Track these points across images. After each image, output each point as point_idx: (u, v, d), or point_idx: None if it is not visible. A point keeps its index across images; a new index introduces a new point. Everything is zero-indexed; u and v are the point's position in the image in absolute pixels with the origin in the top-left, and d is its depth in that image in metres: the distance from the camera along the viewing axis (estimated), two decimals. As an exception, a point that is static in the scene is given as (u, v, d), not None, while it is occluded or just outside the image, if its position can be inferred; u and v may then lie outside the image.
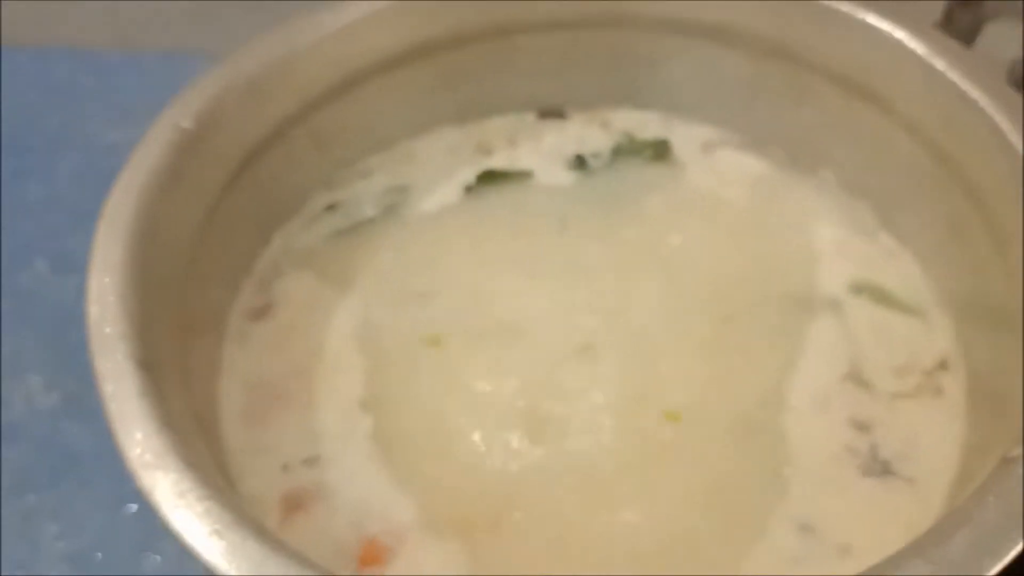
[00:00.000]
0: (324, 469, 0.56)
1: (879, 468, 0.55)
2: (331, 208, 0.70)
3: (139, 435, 0.44)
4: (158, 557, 0.63)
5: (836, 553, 0.51)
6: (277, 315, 0.64)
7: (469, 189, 0.71)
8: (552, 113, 0.76)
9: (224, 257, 0.62)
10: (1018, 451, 0.42)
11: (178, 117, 0.58)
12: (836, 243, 0.67)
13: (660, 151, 0.73)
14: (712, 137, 0.74)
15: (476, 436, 0.57)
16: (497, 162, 0.73)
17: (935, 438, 0.57)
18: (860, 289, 0.64)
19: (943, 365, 0.60)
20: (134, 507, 0.66)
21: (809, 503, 0.53)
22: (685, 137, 0.74)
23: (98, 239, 0.52)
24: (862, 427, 0.57)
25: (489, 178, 0.72)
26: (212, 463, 0.47)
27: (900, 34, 0.62)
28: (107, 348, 0.47)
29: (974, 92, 0.57)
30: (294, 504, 0.55)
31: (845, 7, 0.64)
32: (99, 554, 0.63)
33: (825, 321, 0.63)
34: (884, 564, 0.39)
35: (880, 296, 0.64)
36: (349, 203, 0.71)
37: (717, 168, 0.73)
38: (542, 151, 0.74)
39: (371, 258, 0.67)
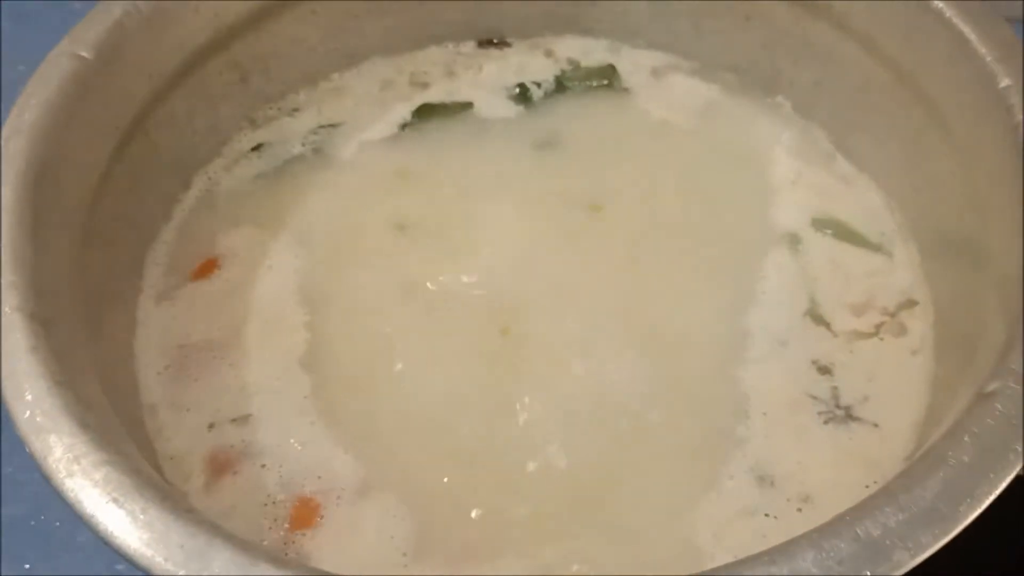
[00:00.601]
0: (255, 428, 0.52)
1: (841, 414, 0.52)
2: (257, 148, 0.65)
3: (29, 395, 0.39)
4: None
5: (796, 503, 0.48)
6: (201, 264, 0.59)
7: (405, 126, 0.66)
8: (492, 42, 0.71)
9: (136, 202, 0.57)
10: (995, 385, 0.39)
11: (75, 46, 0.53)
12: (791, 172, 0.64)
13: (606, 77, 0.69)
14: (660, 63, 0.70)
15: (415, 387, 0.53)
16: (434, 95, 0.68)
17: (900, 378, 0.54)
18: (817, 222, 0.61)
19: (909, 302, 0.57)
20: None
21: (767, 452, 0.50)
22: (633, 64, 0.70)
23: (-14, 181, 0.47)
24: (824, 370, 0.54)
25: (426, 112, 0.67)
26: (118, 425, 0.43)
27: (855, -58, 0.58)
28: (-7, 299, 0.43)
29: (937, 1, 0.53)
30: (221, 465, 0.51)
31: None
32: (32, 521, 0.59)
33: (781, 257, 0.60)
34: (851, 511, 0.35)
35: (840, 230, 0.61)
36: (276, 143, 0.66)
37: (666, 95, 0.68)
38: (482, 82, 0.69)
39: (302, 202, 0.62)
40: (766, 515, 0.48)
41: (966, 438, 0.37)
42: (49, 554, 0.58)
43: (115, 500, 0.36)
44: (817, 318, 0.56)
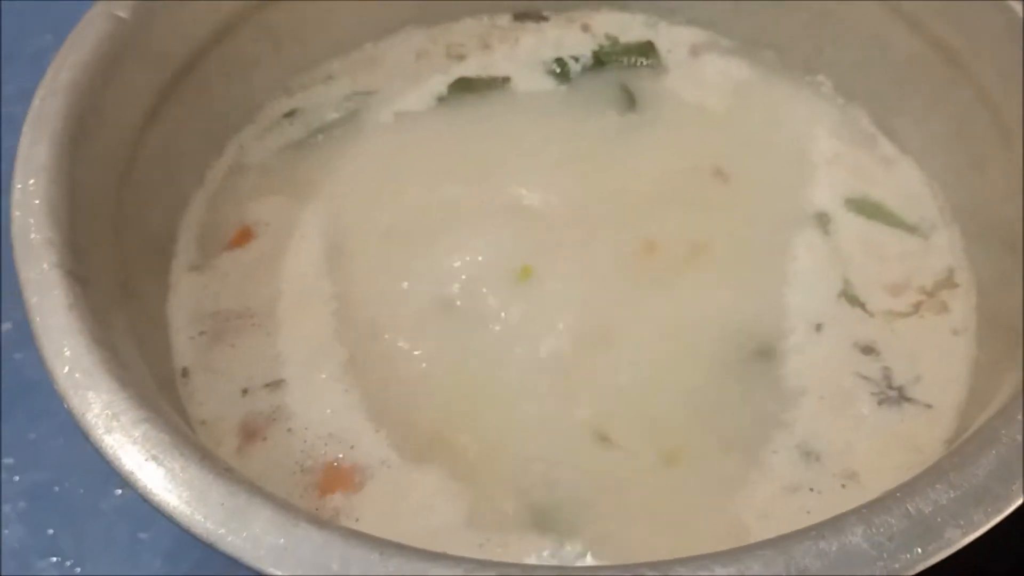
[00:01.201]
0: (287, 392, 0.52)
1: (895, 395, 0.51)
2: (290, 115, 0.65)
3: (68, 351, 0.39)
4: (119, 491, 0.58)
5: (841, 479, 0.48)
6: (236, 233, 0.59)
7: (442, 99, 0.65)
8: (528, 15, 0.70)
9: (169, 166, 0.57)
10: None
11: (112, 6, 0.52)
12: (830, 152, 0.63)
13: (645, 54, 0.68)
14: (699, 40, 0.69)
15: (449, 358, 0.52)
16: (470, 68, 0.67)
17: (942, 358, 0.53)
18: (851, 202, 0.60)
19: (950, 281, 0.56)
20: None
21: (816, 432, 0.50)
22: (671, 40, 0.69)
23: (23, 140, 0.47)
24: (867, 350, 0.53)
25: (463, 86, 0.66)
26: (154, 385, 0.42)
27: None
28: (32, 256, 0.42)
29: (990, -23, 0.52)
30: (253, 431, 0.51)
31: None
32: (56, 488, 0.59)
33: (814, 238, 0.58)
34: (901, 488, 0.34)
35: (875, 211, 0.60)
36: (309, 109, 0.65)
37: (705, 73, 0.67)
38: (519, 56, 0.68)
39: (334, 170, 0.61)
40: (811, 489, 0.47)
41: (1020, 416, 0.36)
42: (72, 520, 0.58)
43: (154, 457, 0.36)
44: (852, 299, 0.56)
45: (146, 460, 0.36)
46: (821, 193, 0.61)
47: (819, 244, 0.58)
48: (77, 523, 0.58)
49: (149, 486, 0.35)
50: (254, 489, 0.35)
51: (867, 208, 0.60)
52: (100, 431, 0.37)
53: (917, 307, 0.55)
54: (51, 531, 0.57)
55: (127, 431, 0.37)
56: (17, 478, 0.59)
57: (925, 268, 0.57)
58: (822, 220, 0.59)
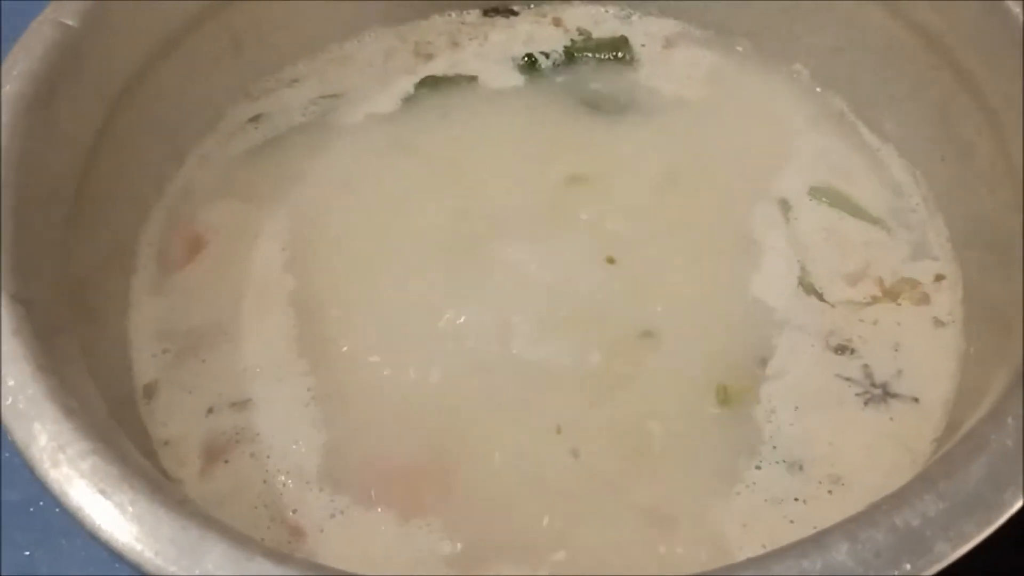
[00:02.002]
0: (254, 413, 0.50)
1: (880, 393, 0.50)
2: (254, 120, 0.63)
3: (11, 380, 0.37)
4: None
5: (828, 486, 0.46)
6: (194, 242, 0.57)
7: (408, 99, 0.63)
8: (498, 10, 0.69)
9: (125, 178, 0.55)
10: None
11: (59, 13, 0.50)
12: (809, 143, 0.61)
13: (618, 49, 0.66)
14: (673, 31, 0.67)
15: (416, 375, 0.51)
16: (438, 67, 0.65)
17: (926, 350, 0.52)
18: (820, 192, 0.58)
19: (936, 273, 0.55)
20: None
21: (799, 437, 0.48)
22: (644, 33, 0.67)
23: (-35, 158, 0.45)
24: (841, 349, 0.52)
25: (430, 84, 0.64)
26: (106, 412, 0.40)
27: None
28: (-27, 280, 0.40)
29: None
30: (218, 452, 0.49)
31: None
32: (31, 508, 0.57)
33: (777, 226, 0.57)
34: (887, 500, 0.33)
35: (839, 201, 0.58)
36: (275, 113, 0.63)
37: (678, 65, 0.66)
38: (488, 52, 0.66)
39: (301, 177, 0.60)
40: (796, 499, 0.46)
41: (1009, 420, 0.35)
42: (49, 540, 0.56)
43: (102, 491, 0.34)
44: (808, 287, 0.54)
45: (94, 494, 0.34)
46: (788, 182, 0.59)
47: (779, 232, 0.57)
48: (53, 543, 0.56)
49: (97, 522, 0.34)
50: (208, 522, 0.34)
51: (831, 197, 0.58)
52: (46, 465, 0.35)
53: (875, 299, 0.54)
54: (27, 552, 0.56)
55: (74, 464, 0.35)
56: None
57: (886, 259, 0.56)
58: (783, 207, 0.58)
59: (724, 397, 0.49)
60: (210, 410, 0.50)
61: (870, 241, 0.57)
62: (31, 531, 0.57)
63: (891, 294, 0.54)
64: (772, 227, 0.57)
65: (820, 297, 0.54)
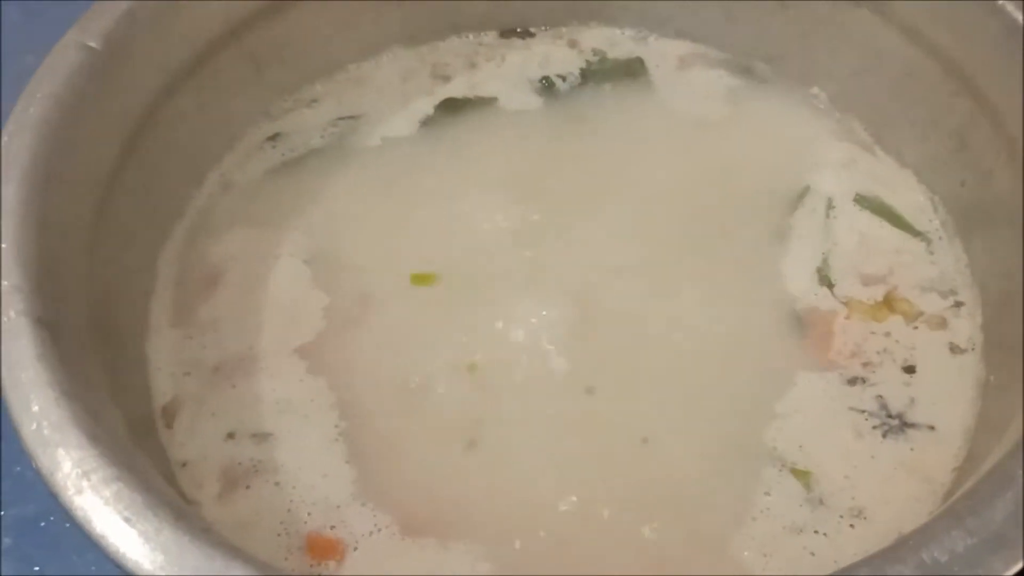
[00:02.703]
0: (275, 444, 0.50)
1: (897, 424, 0.50)
2: (272, 139, 0.63)
3: (36, 406, 0.37)
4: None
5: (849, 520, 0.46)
6: (215, 265, 0.57)
7: (427, 121, 0.64)
8: (515, 31, 0.69)
9: (147, 200, 0.55)
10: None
11: (84, 36, 0.50)
12: (826, 167, 0.61)
13: (633, 71, 0.66)
14: (689, 52, 0.67)
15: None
16: (456, 88, 0.66)
17: (943, 377, 0.52)
18: (872, 204, 0.59)
19: (955, 299, 0.55)
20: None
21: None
22: (661, 54, 0.67)
23: (-9, 181, 0.45)
24: (854, 381, 0.52)
25: (449, 107, 0.64)
26: (128, 436, 0.40)
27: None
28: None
29: (988, -14, 0.51)
30: (235, 478, 0.49)
31: None
32: (42, 523, 0.57)
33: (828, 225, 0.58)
34: (914, 535, 0.33)
35: (882, 210, 0.59)
36: (293, 133, 0.63)
37: (695, 88, 0.66)
38: (505, 74, 0.66)
39: (319, 200, 0.60)
40: (815, 532, 0.45)
41: (1038, 455, 0.35)
42: (59, 556, 0.56)
43: (127, 519, 0.34)
44: (824, 278, 0.55)
45: (119, 522, 0.34)
46: (818, 208, 0.59)
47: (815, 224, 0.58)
48: (64, 558, 0.56)
49: (122, 550, 0.34)
50: (232, 552, 0.34)
51: (875, 206, 0.59)
52: (70, 492, 0.35)
53: (878, 305, 0.54)
54: (37, 568, 0.56)
55: (98, 491, 0.35)
56: (3, 513, 0.57)
57: (911, 272, 0.56)
58: (828, 205, 0.59)
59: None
60: (230, 435, 0.50)
61: (902, 250, 0.57)
62: (41, 546, 0.56)
63: (906, 313, 0.54)
64: (810, 219, 0.58)
65: (831, 290, 0.54)
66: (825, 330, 0.54)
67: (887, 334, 0.53)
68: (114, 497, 0.35)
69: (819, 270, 0.56)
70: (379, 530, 0.47)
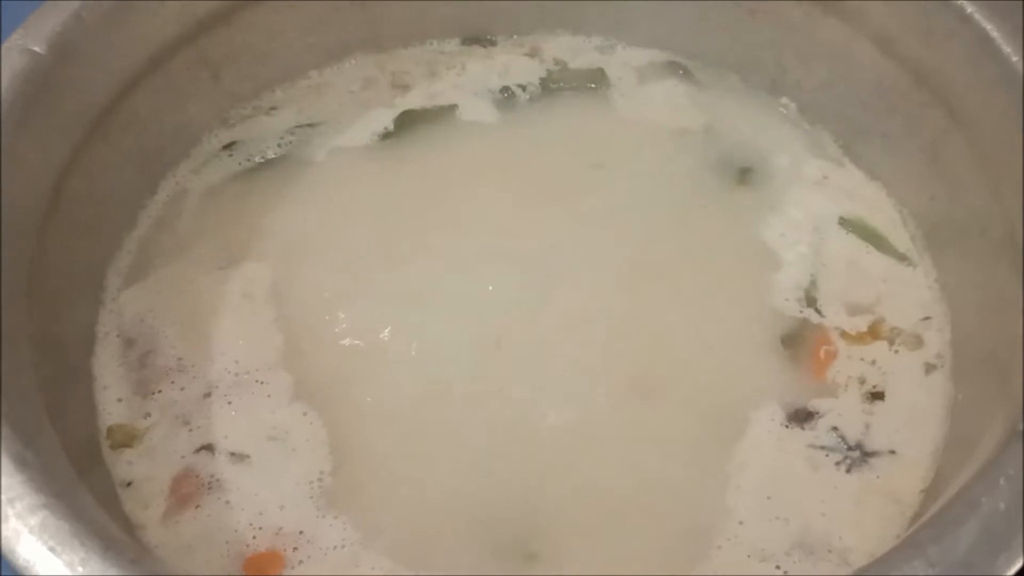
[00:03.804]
0: (225, 458, 0.48)
1: (858, 455, 0.48)
2: (229, 147, 0.61)
3: (-42, 429, 0.35)
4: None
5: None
6: (166, 276, 0.55)
7: (387, 135, 0.62)
8: (477, 39, 0.67)
9: (96, 208, 0.53)
10: (1032, 422, 0.35)
11: (28, 39, 0.48)
12: (794, 178, 0.60)
13: (595, 80, 0.65)
14: (656, 61, 0.66)
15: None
16: (416, 99, 0.64)
17: (912, 396, 0.50)
18: (856, 227, 0.58)
19: (924, 315, 0.54)
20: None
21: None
22: (625, 64, 0.66)
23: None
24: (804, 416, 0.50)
25: (408, 119, 0.62)
26: (64, 458, 0.39)
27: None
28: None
29: (960, -4, 0.50)
30: (185, 495, 0.47)
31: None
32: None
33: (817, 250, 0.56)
34: (875, 566, 0.31)
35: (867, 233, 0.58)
36: (250, 141, 0.61)
37: (660, 98, 0.64)
38: (465, 82, 0.65)
39: (276, 211, 0.58)
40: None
41: (1002, 481, 0.33)
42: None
43: (52, 549, 0.33)
44: (811, 299, 0.54)
45: (43, 552, 0.32)
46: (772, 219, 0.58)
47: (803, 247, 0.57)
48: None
49: (47, 584, 0.32)
50: (165, 582, 0.32)
51: (860, 229, 0.58)
52: (-9, 522, 0.33)
53: (862, 336, 0.53)
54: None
55: (23, 519, 0.33)
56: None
57: (899, 299, 0.55)
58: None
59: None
60: (181, 457, 0.49)
61: (890, 277, 0.56)
62: None
63: (887, 338, 0.53)
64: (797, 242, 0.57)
65: (818, 312, 0.53)
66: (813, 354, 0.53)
67: (865, 359, 0.52)
68: (39, 526, 0.33)
69: (806, 291, 0.55)
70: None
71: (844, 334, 0.53)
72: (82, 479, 0.39)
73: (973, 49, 0.50)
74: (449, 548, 0.46)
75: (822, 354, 0.52)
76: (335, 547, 0.45)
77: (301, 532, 0.46)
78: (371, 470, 0.48)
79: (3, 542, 0.33)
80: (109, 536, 0.34)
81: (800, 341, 0.53)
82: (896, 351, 0.52)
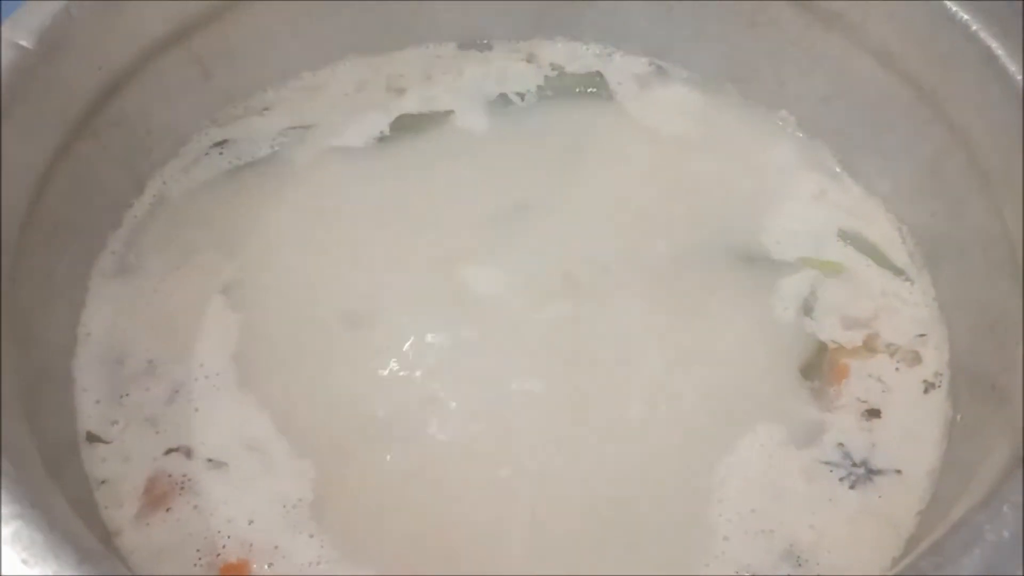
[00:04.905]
0: (202, 461, 0.48)
1: (863, 472, 0.48)
2: (220, 146, 0.60)
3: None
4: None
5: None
6: (147, 277, 0.54)
7: (382, 139, 0.61)
8: (474, 44, 0.66)
9: (83, 207, 0.52)
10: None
11: (15, 34, 0.47)
12: (790, 192, 0.59)
13: (593, 85, 0.64)
14: (654, 70, 0.65)
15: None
16: (411, 103, 0.63)
17: (905, 416, 0.50)
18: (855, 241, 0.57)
19: (920, 332, 0.53)
20: None
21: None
22: (623, 71, 0.65)
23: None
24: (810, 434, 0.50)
25: (404, 124, 0.62)
26: (39, 463, 0.37)
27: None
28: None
29: (963, 12, 0.49)
30: (158, 497, 0.46)
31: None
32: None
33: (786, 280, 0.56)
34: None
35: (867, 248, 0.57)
36: (240, 140, 0.60)
37: (658, 107, 0.63)
38: (462, 87, 0.64)
39: (264, 214, 0.57)
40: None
41: (1005, 508, 0.33)
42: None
43: (25, 561, 0.31)
44: (807, 309, 0.54)
45: (16, 564, 0.31)
46: (778, 235, 0.57)
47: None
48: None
49: (19, 596, 0.31)
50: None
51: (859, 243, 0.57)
52: (-37, 531, 0.32)
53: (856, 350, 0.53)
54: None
55: (-5, 529, 0.32)
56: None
57: (898, 315, 0.54)
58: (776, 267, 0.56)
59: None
60: (155, 459, 0.48)
61: (887, 292, 0.55)
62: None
63: (888, 352, 0.52)
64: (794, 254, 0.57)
65: (814, 323, 0.53)
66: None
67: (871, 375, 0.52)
68: (12, 537, 0.32)
69: (805, 300, 0.54)
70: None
71: (840, 348, 0.52)
72: (57, 480, 0.38)
73: (978, 67, 0.49)
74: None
75: (834, 371, 0.52)
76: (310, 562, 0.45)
77: (276, 547, 0.45)
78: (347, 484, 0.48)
79: (-29, 553, 0.32)
80: (83, 548, 0.32)
81: (815, 364, 0.52)
82: (897, 368, 0.52)
